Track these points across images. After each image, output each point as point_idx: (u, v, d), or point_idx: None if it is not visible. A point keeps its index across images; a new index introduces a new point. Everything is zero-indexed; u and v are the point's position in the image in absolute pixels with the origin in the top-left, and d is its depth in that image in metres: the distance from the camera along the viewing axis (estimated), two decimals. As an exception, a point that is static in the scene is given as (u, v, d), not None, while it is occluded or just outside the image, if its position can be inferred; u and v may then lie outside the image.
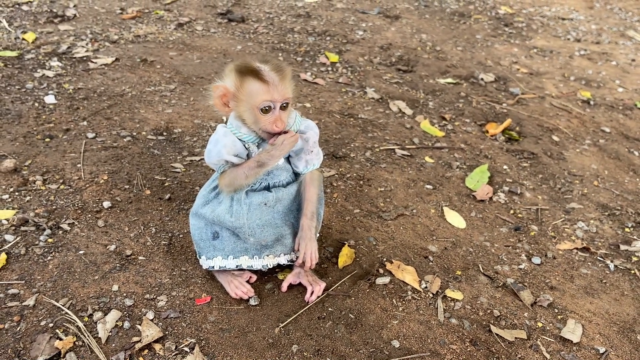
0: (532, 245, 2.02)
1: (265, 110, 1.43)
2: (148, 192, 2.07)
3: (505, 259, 1.93)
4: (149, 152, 2.31)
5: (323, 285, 1.68)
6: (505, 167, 2.52)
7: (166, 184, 2.12)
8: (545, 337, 1.62)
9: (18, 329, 1.47)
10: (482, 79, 3.44)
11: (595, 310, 1.75)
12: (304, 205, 1.63)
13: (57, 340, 1.43)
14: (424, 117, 2.89)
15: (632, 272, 1.93)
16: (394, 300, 1.70)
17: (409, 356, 1.51)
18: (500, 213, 2.19)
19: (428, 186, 2.31)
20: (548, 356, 1.56)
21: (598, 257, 1.99)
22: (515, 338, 1.60)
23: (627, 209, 2.30)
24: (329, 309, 1.63)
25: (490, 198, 2.27)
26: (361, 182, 2.28)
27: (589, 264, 1.96)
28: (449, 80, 3.40)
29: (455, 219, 2.12)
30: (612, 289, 1.85)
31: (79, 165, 2.16)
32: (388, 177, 2.34)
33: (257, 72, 1.40)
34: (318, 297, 1.65)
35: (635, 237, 2.11)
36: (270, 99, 1.41)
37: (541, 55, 4.08)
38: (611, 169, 2.60)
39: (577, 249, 2.02)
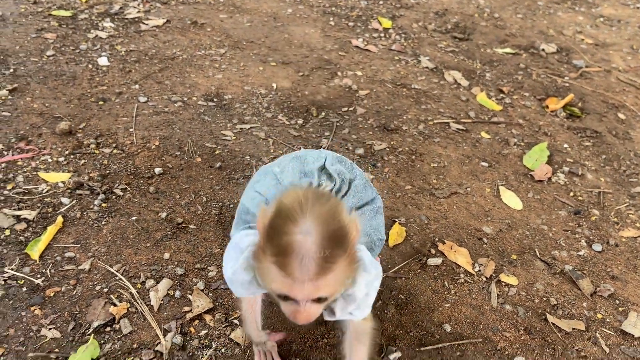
0: (593, 231, 1.93)
1: (284, 298, 0.96)
2: (199, 159, 2.06)
3: (563, 244, 1.85)
4: (199, 119, 2.29)
5: None
6: (565, 145, 2.40)
7: (217, 152, 2.11)
8: (604, 330, 1.55)
9: (74, 292, 1.50)
10: (543, 50, 3.26)
11: (660, 303, 1.66)
12: (351, 351, 1.22)
13: (112, 306, 1.46)
14: (481, 89, 2.77)
15: (702, 264, 1.82)
16: (445, 282, 1.66)
17: (460, 341, 1.47)
18: (559, 195, 2.09)
19: (483, 163, 2.22)
20: (607, 350, 1.49)
21: (664, 247, 1.89)
22: (573, 329, 1.54)
23: (698, 196, 2.16)
24: (379, 288, 1.60)
25: (549, 178, 2.17)
26: (413, 157, 2.22)
27: (655, 253, 1.86)
28: (508, 50, 3.23)
29: (511, 200, 2.04)
30: (679, 282, 1.75)
31: (131, 130, 2.17)
32: (442, 152, 2.26)
33: (279, 258, 0.88)
34: None
35: None
36: (290, 295, 0.93)
37: (608, 25, 3.83)
38: (682, 151, 2.44)
39: (641, 237, 1.92)
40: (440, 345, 1.46)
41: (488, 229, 1.88)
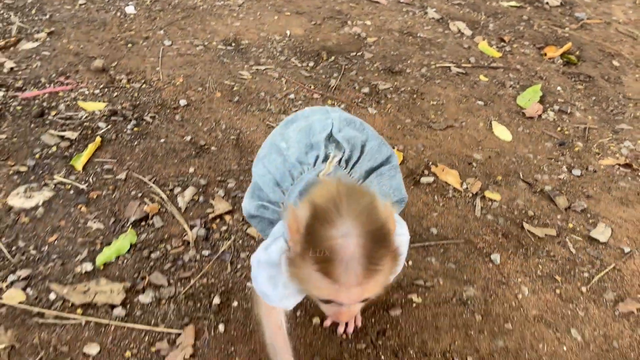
0: (575, 159, 2.12)
1: (327, 302, 0.94)
2: (218, 94, 2.28)
3: (546, 170, 2.05)
4: (219, 60, 2.51)
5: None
6: (558, 88, 2.57)
7: (234, 89, 2.33)
8: (574, 236, 1.77)
9: (113, 196, 1.75)
10: (547, 3, 3.39)
11: (627, 217, 1.86)
12: None
13: (146, 206, 1.71)
14: (483, 38, 2.93)
15: (671, 188, 2.01)
16: (435, 196, 1.88)
17: (445, 241, 1.70)
18: (547, 129, 2.28)
19: (479, 102, 2.41)
20: (574, 251, 1.71)
21: (636, 172, 2.07)
22: (545, 235, 1.76)
23: (678, 132, 2.33)
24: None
25: (540, 115, 2.36)
26: (414, 96, 2.41)
27: (629, 178, 2.05)
28: (513, 3, 3.37)
29: (502, 133, 2.23)
30: (648, 201, 1.95)
31: (157, 69, 2.40)
32: (441, 92, 2.46)
33: (322, 265, 0.86)
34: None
35: (680, 158, 2.17)
36: (337, 300, 0.91)
37: (615, -19, 3.92)
38: (669, 94, 2.60)
39: (619, 164, 2.10)
40: (427, 244, 1.69)
41: (478, 155, 2.09)
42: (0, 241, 1.56)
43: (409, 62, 2.66)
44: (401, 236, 1.06)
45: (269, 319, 1.19)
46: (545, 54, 2.83)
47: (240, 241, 1.64)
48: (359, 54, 2.68)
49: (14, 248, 1.55)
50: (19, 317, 1.37)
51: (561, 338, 1.45)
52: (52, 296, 1.43)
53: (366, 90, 2.41)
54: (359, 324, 1.41)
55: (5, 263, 1.50)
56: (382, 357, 1.37)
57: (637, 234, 1.79)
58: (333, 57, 2.63)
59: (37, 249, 1.55)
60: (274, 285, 1.07)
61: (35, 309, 1.39)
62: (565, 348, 1.43)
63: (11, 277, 1.46)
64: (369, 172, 1.18)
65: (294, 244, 0.91)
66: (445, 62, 2.69)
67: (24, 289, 1.43)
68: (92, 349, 1.32)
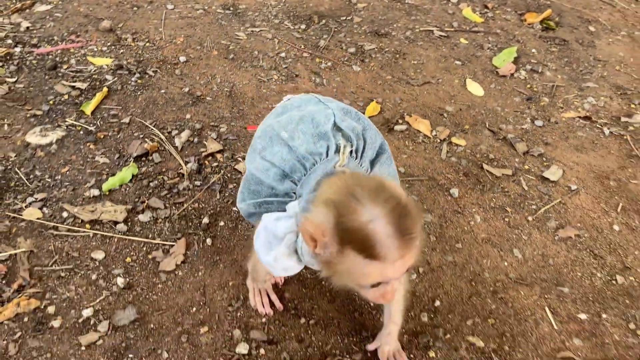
0: (539, 112, 2.31)
1: (375, 285, 0.99)
2: (215, 52, 2.49)
3: (511, 120, 2.25)
4: (217, 23, 2.71)
5: None
6: (533, 50, 2.74)
7: (230, 48, 2.54)
8: (528, 176, 1.97)
9: (118, 136, 1.98)
10: (533, -27, 3.53)
11: (580, 161, 2.06)
12: (391, 311, 1.33)
13: (146, 144, 1.94)
14: (467, 4, 3.10)
15: (625, 137, 2.20)
16: (406, 142, 2.08)
17: (410, 178, 1.91)
18: (517, 86, 2.47)
19: (457, 62, 2.60)
20: (526, 188, 1.92)
21: (597, 125, 2.26)
22: (502, 174, 1.96)
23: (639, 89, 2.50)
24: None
25: (512, 74, 2.54)
26: (397, 56, 2.60)
27: (587, 129, 2.24)
28: (500, -27, 3.51)
29: (475, 89, 2.42)
30: (601, 149, 2.14)
31: (160, 29, 2.61)
32: (422, 53, 2.64)
33: (366, 250, 0.90)
34: None
35: (637, 111, 2.35)
36: (384, 280, 0.97)
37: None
38: (638, 57, 2.76)
39: (579, 117, 2.29)
40: (394, 180, 1.90)
41: (450, 107, 2.29)
42: (20, 171, 1.79)
43: (395, 25, 2.84)
44: None
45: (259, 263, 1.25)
46: (525, 20, 3.00)
47: (229, 175, 1.86)
48: (349, 18, 2.87)
49: (31, 176, 1.78)
50: (37, 230, 1.61)
51: (504, 256, 1.67)
52: (64, 214, 1.66)
53: (352, 50, 2.60)
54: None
55: (24, 188, 1.74)
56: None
57: (585, 175, 1.99)
58: (324, 21, 2.82)
59: (52, 177, 1.79)
60: (267, 251, 1.13)
61: (50, 224, 1.63)
62: (506, 263, 1.64)
63: (29, 199, 1.70)
64: (373, 163, 1.21)
65: (324, 248, 0.94)
66: (430, 26, 2.87)
67: (40, 208, 1.67)
68: (98, 255, 1.55)
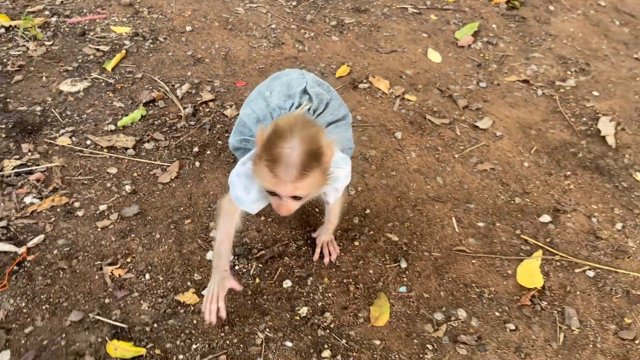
0: (485, 76, 2.72)
1: (271, 194, 1.30)
2: (216, 24, 2.96)
3: (459, 82, 2.66)
4: (220, 0, 3.18)
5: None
6: (494, 25, 3.14)
7: (229, 20, 3.00)
8: (462, 124, 2.39)
9: (132, 87, 2.47)
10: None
11: (510, 114, 2.47)
12: (330, 213, 1.71)
13: (153, 93, 2.42)
14: (443, -14, 3.49)
15: (554, 97, 2.60)
16: (367, 97, 2.52)
17: (364, 125, 2.36)
18: (472, 55, 2.88)
19: (424, 34, 3.02)
20: (459, 133, 2.34)
21: (533, 87, 2.66)
22: (441, 123, 2.39)
23: (579, 60, 2.88)
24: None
25: (469, 45, 2.95)
26: (372, 29, 3.03)
27: (524, 90, 2.64)
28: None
29: (434, 57, 2.84)
30: (531, 106, 2.54)
31: (172, 4, 3.08)
32: (395, 26, 3.07)
33: (270, 163, 1.20)
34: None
35: (571, 77, 2.74)
36: (275, 191, 1.26)
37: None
38: (586, 33, 3.13)
39: (519, 80, 2.69)
40: (352, 125, 2.34)
41: (409, 71, 2.71)
42: (55, 111, 2.30)
43: (375, 3, 3.26)
44: (340, 169, 1.40)
45: (222, 227, 1.53)
46: (492, 0, 3.39)
47: (217, 118, 2.34)
48: (335, -4, 3.30)
49: (63, 115, 2.28)
50: (67, 152, 2.11)
51: (428, 181, 2.10)
52: (88, 142, 2.16)
53: (334, 23, 3.04)
54: (337, 252, 1.78)
55: (58, 123, 2.24)
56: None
57: (511, 125, 2.41)
58: (313, -1, 3.26)
59: (79, 116, 2.29)
60: (247, 192, 1.41)
61: (77, 148, 2.13)
62: (428, 187, 2.08)
63: (62, 131, 2.20)
64: (330, 123, 1.54)
65: (257, 149, 1.26)
66: (405, 4, 3.28)
67: (69, 137, 2.17)
68: (112, 170, 2.05)
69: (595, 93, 2.65)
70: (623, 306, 1.71)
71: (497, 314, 1.66)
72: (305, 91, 1.56)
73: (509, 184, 2.12)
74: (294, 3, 3.20)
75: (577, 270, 1.80)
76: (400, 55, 2.83)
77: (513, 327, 1.62)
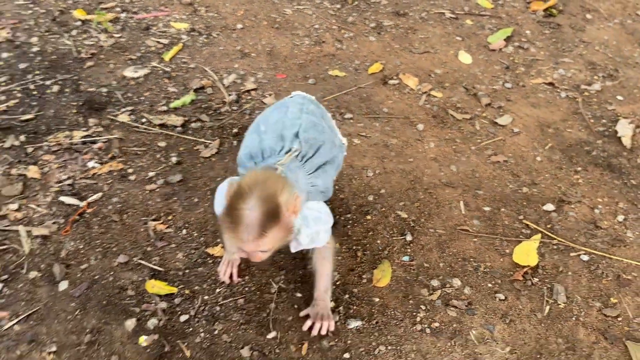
0: (512, 78, 2.86)
1: (238, 249, 1.40)
2: (265, 23, 3.25)
3: (485, 82, 2.82)
4: (271, 1, 3.47)
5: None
6: (527, 31, 3.27)
7: (277, 20, 3.28)
8: (482, 120, 2.56)
9: (185, 75, 2.78)
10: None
11: (530, 113, 2.61)
12: (317, 279, 1.64)
13: (202, 81, 2.72)
14: (483, -7, 3.65)
15: (577, 100, 2.71)
16: (395, 92, 2.73)
17: (389, 116, 2.56)
18: (501, 58, 3.02)
19: (458, 37, 3.19)
20: (478, 128, 2.51)
21: (557, 89, 2.78)
22: (462, 118, 2.56)
23: (609, 66, 2.97)
24: (356, 92, 2.72)
25: (501, 49, 3.09)
26: (409, 31, 3.23)
27: (547, 92, 2.77)
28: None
29: (465, 58, 3.01)
30: (552, 106, 2.67)
31: (227, 4, 3.40)
32: (431, 29, 3.25)
33: (232, 225, 1.29)
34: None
35: (598, 81, 2.84)
36: (241, 248, 1.36)
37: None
38: (620, 40, 3.20)
39: (544, 83, 2.82)
40: (376, 116, 2.56)
41: (438, 70, 2.90)
42: (118, 92, 2.63)
43: (414, 8, 3.46)
44: (307, 228, 1.46)
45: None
46: (530, 7, 3.51)
47: (257, 104, 2.61)
48: (377, 1, 3.52)
49: (124, 96, 2.62)
50: (125, 127, 2.43)
51: (442, 168, 2.29)
52: (143, 120, 2.48)
53: (373, 25, 3.26)
54: (332, 328, 1.65)
55: (120, 103, 2.57)
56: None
57: (530, 123, 2.55)
58: (357, 2, 3.50)
59: (138, 98, 2.61)
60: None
61: (134, 124, 2.45)
62: (442, 174, 2.26)
63: (122, 110, 2.53)
64: (319, 166, 1.58)
65: (223, 208, 1.33)
66: (444, 9, 3.46)
67: (128, 115, 2.50)
68: (162, 144, 2.35)
69: (620, 97, 2.74)
70: (612, 288, 1.83)
71: (489, 285, 1.83)
72: (297, 135, 1.58)
73: (519, 175, 2.27)
74: (338, 6, 3.44)
75: (572, 254, 1.94)
76: (432, 56, 3.01)
77: (502, 297, 1.79)
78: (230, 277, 1.77)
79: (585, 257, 1.93)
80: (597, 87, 2.79)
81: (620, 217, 2.08)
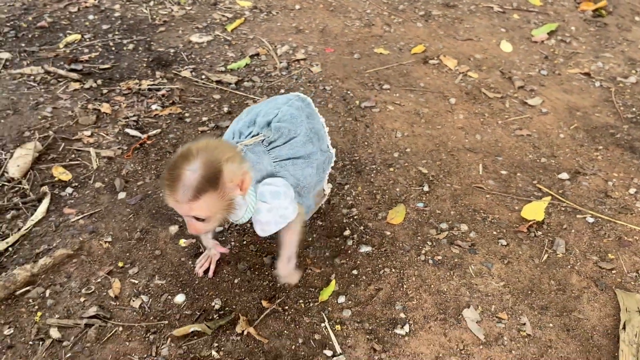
0: (549, 67, 2.99)
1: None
2: (321, 6, 3.51)
3: (522, 69, 2.97)
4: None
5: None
6: (572, 28, 3.38)
7: (333, 3, 3.54)
8: (512, 100, 2.71)
9: (244, 44, 3.08)
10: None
11: (561, 98, 2.74)
12: (280, 248, 1.62)
13: (258, 49, 3.01)
14: (534, -8, 3.78)
15: (610, 89, 2.81)
16: (433, 70, 2.92)
17: (424, 90, 2.76)
18: (542, 49, 3.16)
19: (502, 29, 3.34)
20: (507, 106, 2.66)
21: (592, 79, 2.89)
22: (494, 96, 2.72)
23: (648, 62, 3.05)
24: (397, 68, 2.94)
25: (543, 42, 3.22)
26: (455, 21, 3.42)
27: (582, 81, 2.88)
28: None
29: (506, 47, 3.16)
30: (585, 93, 2.78)
31: None
32: (477, 21, 3.43)
33: (169, 182, 1.28)
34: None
35: (635, 74, 2.92)
36: (175, 210, 1.36)
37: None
38: (666, 41, 3.26)
39: (580, 73, 2.94)
40: (414, 89, 2.76)
41: (478, 55, 3.07)
42: (183, 53, 2.96)
43: (464, 1, 3.64)
44: (264, 203, 1.47)
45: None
46: (579, 7, 3.61)
47: (305, 72, 2.87)
48: (429, -7, 3.73)
49: (189, 57, 2.95)
50: (187, 80, 2.75)
51: (467, 136, 2.46)
52: (202, 76, 2.79)
53: (422, 13, 3.47)
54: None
55: (184, 62, 2.90)
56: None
57: (560, 106, 2.67)
58: (409, -6, 3.72)
59: (200, 59, 2.94)
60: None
61: (194, 79, 2.76)
62: (466, 140, 2.44)
63: (186, 67, 2.86)
64: (287, 158, 1.53)
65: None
66: (492, 3, 3.62)
67: (190, 72, 2.82)
68: (217, 96, 2.64)
69: (654, 91, 2.82)
70: (612, 247, 1.95)
71: (494, 233, 1.99)
72: (269, 124, 1.56)
73: (540, 148, 2.41)
74: (392, -5, 3.67)
75: (578, 216, 2.07)
76: (474, 43, 3.18)
77: (505, 243, 1.94)
78: (206, 272, 1.77)
79: (591, 220, 2.05)
80: (632, 80, 2.88)
81: (632, 190, 2.18)
